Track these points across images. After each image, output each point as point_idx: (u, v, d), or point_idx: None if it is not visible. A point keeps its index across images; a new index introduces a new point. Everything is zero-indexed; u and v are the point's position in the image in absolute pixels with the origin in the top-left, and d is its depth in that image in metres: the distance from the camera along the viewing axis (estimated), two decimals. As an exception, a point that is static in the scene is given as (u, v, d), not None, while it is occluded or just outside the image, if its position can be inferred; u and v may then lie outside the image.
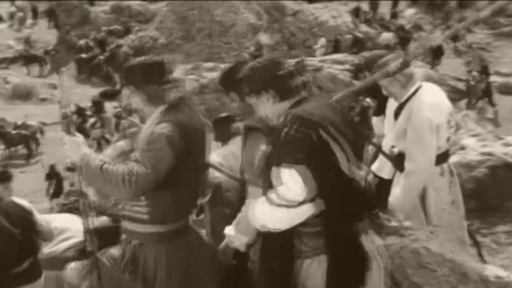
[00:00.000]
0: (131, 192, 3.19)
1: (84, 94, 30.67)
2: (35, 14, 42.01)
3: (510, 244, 6.40)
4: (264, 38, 33.05)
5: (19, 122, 25.58)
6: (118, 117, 26.17)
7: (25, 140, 23.72)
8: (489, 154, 7.11)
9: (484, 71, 25.06)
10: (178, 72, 29.45)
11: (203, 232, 4.02)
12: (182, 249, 3.56)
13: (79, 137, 3.51)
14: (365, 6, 34.58)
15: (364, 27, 32.59)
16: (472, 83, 23.46)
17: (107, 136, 22.08)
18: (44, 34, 39.22)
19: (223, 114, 4.64)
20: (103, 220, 4.67)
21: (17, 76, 34.20)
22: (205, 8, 34.13)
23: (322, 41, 30.48)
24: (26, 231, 4.85)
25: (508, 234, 6.57)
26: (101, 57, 34.15)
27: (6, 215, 4.80)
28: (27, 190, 17.58)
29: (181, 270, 3.53)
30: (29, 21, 40.59)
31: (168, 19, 35.36)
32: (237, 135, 4.12)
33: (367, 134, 5.29)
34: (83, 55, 34.71)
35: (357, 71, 22.25)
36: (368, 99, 16.78)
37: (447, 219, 4.53)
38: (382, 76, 4.41)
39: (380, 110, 5.04)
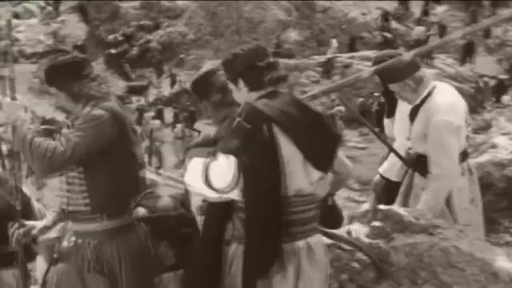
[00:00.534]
0: (44, 168, 3.32)
1: (112, 89, 30.79)
2: (56, 8, 42.53)
3: (541, 244, 6.28)
4: (293, 35, 33.01)
5: (48, 117, 25.78)
6: (141, 110, 26.40)
7: (52, 136, 23.88)
8: (521, 152, 6.99)
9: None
10: (206, 67, 29.39)
11: None
12: (137, 243, 3.67)
13: (20, 102, 3.64)
14: (391, 5, 34.33)
15: (394, 24, 32.34)
16: (481, 84, 23.24)
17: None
18: (74, 29, 39.58)
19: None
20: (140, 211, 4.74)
21: (47, 71, 34.56)
22: (233, 4, 34.19)
23: (334, 42, 30.37)
24: (27, 210, 4.84)
25: (539, 234, 6.46)
26: (134, 52, 34.37)
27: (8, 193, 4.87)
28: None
29: (141, 263, 3.64)
30: (61, 18, 40.96)
31: (197, 15, 35.49)
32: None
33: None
34: (113, 50, 34.99)
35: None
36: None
37: (467, 218, 4.46)
38: (354, 81, 4.39)
39: (392, 112, 5.00)
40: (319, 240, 3.17)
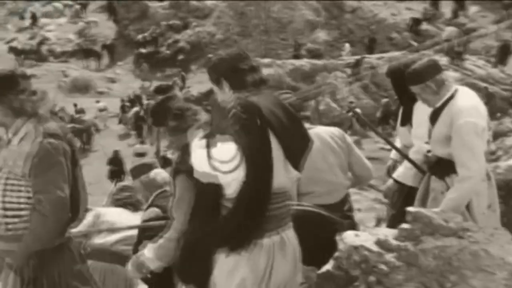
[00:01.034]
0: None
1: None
2: (84, 7, 43.06)
3: None
4: (321, 35, 32.93)
5: (76, 115, 26.08)
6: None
7: (79, 135, 24.12)
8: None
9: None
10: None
11: None
12: (74, 260, 3.83)
13: None
14: (421, 6, 34.07)
15: (424, 25, 32.09)
16: (490, 91, 22.97)
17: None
18: (103, 29, 39.95)
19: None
20: (153, 211, 4.76)
21: (76, 69, 34.93)
22: (262, 4, 34.20)
23: (347, 46, 30.21)
24: None
25: None
26: (167, 52, 34.57)
27: None
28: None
29: (81, 278, 3.80)
30: (91, 19, 41.33)
31: (225, 14, 35.59)
32: None
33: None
34: (143, 50, 35.23)
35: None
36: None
37: (484, 223, 4.40)
38: (330, 89, 4.47)
39: (406, 120, 4.98)
40: (291, 233, 3.32)
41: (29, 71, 32.06)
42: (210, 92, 28.04)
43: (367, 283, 3.64)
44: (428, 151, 4.55)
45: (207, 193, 3.16)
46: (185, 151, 3.38)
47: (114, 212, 5.68)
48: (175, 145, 3.77)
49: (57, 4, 45.04)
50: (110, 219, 5.49)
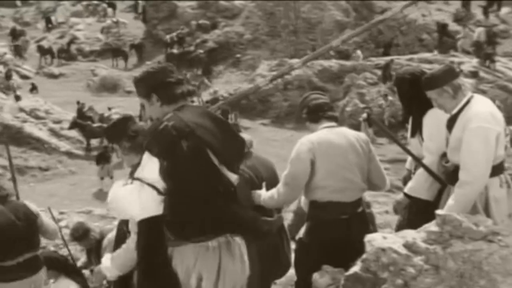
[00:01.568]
0: None
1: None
2: (111, 6, 43.47)
3: None
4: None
5: (106, 114, 26.23)
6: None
7: None
8: None
9: None
10: (262, 68, 29.75)
11: None
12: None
13: None
14: (453, 7, 33.76)
15: (455, 26, 31.79)
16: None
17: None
18: (132, 28, 40.25)
19: None
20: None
21: (105, 68, 35.21)
22: (291, 4, 34.16)
23: (358, 53, 30.02)
24: (29, 227, 5.31)
25: None
26: (201, 51, 34.70)
27: (13, 210, 5.29)
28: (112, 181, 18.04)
29: None
30: (120, 19, 41.66)
31: (254, 15, 35.62)
32: None
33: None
34: (175, 51, 35.41)
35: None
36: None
37: None
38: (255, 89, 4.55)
39: (415, 131, 4.91)
40: (238, 236, 3.46)
41: (58, 70, 32.44)
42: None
43: (395, 286, 3.61)
44: (447, 162, 4.49)
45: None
46: (135, 169, 3.48)
47: None
48: (127, 164, 3.95)
49: (86, 3, 45.51)
50: None
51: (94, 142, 24.62)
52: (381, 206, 11.41)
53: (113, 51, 37.23)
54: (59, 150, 23.77)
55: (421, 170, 4.73)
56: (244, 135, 5.36)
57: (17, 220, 5.20)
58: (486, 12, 33.24)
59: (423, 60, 24.68)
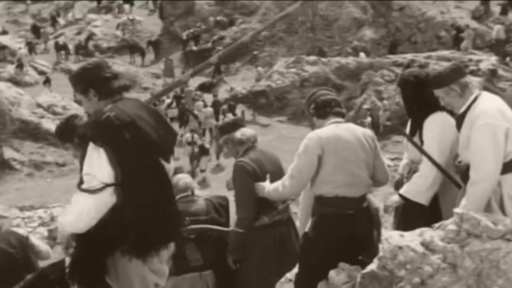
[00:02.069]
0: None
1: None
2: (128, 2, 43.64)
3: None
4: (368, 33, 32.67)
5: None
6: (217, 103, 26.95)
7: None
8: None
9: None
10: (279, 64, 29.72)
11: None
12: None
13: None
14: (472, 4, 33.47)
15: (474, 24, 31.55)
16: None
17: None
18: (149, 25, 40.36)
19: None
20: None
21: (122, 65, 35.34)
22: (309, 2, 34.07)
23: (362, 55, 29.89)
24: (24, 251, 5.27)
25: None
26: (220, 48, 34.77)
27: (4, 240, 5.28)
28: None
29: None
30: (136, 16, 41.77)
31: (271, 12, 35.55)
32: None
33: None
34: (194, 48, 35.48)
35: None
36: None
37: None
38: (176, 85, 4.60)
39: (414, 133, 4.88)
40: None
41: (75, 67, 32.72)
42: (259, 92, 28.09)
43: (412, 284, 3.59)
44: (459, 162, 4.47)
45: None
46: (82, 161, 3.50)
47: None
48: (79, 160, 3.94)
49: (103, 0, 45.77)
50: None
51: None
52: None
53: (130, 48, 37.40)
54: (79, 144, 23.92)
55: (418, 174, 4.72)
56: (246, 129, 5.50)
57: (10, 248, 5.21)
58: (505, 10, 32.95)
59: (441, 58, 24.52)
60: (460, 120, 4.40)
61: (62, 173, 21.65)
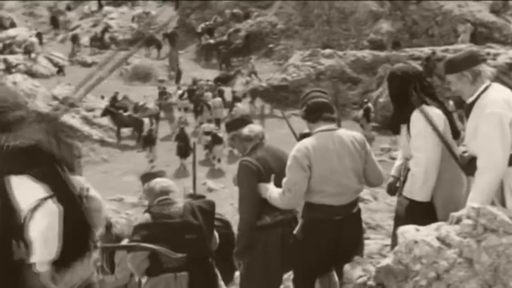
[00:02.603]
0: None
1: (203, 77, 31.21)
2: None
3: None
4: (385, 26, 32.48)
5: (141, 103, 26.45)
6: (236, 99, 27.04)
7: (136, 124, 24.50)
8: None
9: None
10: (295, 58, 29.62)
11: None
12: None
13: None
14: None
15: (492, 17, 31.28)
16: None
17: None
18: (165, 17, 40.42)
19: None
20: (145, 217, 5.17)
21: (137, 57, 35.43)
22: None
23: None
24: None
25: None
26: (238, 41, 34.81)
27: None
28: (143, 168, 18.17)
29: None
30: (153, 13, 41.83)
31: (287, 4, 35.49)
32: None
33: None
34: (211, 41, 35.52)
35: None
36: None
37: None
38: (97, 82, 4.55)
39: (395, 126, 4.83)
40: None
41: (91, 59, 32.82)
42: (281, 87, 28.01)
43: (427, 279, 3.56)
44: (464, 152, 4.45)
45: None
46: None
47: None
48: None
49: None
50: None
51: (126, 130, 24.92)
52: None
53: (146, 40, 37.53)
54: (91, 138, 24.07)
55: (410, 172, 4.66)
56: (254, 126, 5.52)
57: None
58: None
59: (459, 51, 24.33)
60: (468, 109, 4.38)
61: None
